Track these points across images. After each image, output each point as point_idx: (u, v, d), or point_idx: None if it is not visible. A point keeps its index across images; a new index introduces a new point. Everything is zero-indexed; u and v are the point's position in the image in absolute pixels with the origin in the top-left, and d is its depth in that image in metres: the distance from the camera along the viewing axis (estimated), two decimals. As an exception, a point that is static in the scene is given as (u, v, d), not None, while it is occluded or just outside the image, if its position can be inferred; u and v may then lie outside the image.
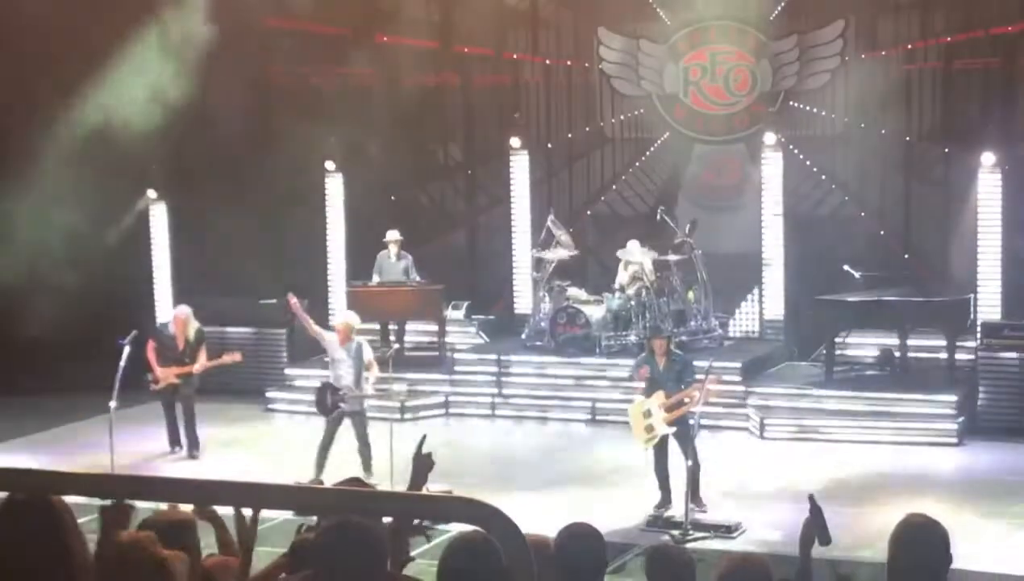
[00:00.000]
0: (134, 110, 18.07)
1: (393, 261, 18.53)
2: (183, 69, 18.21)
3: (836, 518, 11.91)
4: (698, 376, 12.89)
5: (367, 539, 4.35)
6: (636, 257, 17.89)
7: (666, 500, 12.77)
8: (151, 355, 15.36)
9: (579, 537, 5.44)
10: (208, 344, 16.30)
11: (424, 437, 5.67)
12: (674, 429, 12.64)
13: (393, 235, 18.57)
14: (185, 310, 15.78)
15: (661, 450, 12.69)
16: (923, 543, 4.90)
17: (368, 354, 14.17)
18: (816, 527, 5.45)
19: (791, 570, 5.49)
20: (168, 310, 19.97)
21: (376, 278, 18.60)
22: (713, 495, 13.05)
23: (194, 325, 15.70)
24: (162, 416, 15.74)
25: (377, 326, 18.96)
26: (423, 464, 5.50)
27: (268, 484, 3.53)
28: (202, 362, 15.48)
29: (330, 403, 13.94)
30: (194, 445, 15.67)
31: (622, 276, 18.15)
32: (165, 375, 15.32)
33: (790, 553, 5.59)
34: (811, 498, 5.53)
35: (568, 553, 5.35)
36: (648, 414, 12.59)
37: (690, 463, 12.33)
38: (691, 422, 12.84)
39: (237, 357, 15.60)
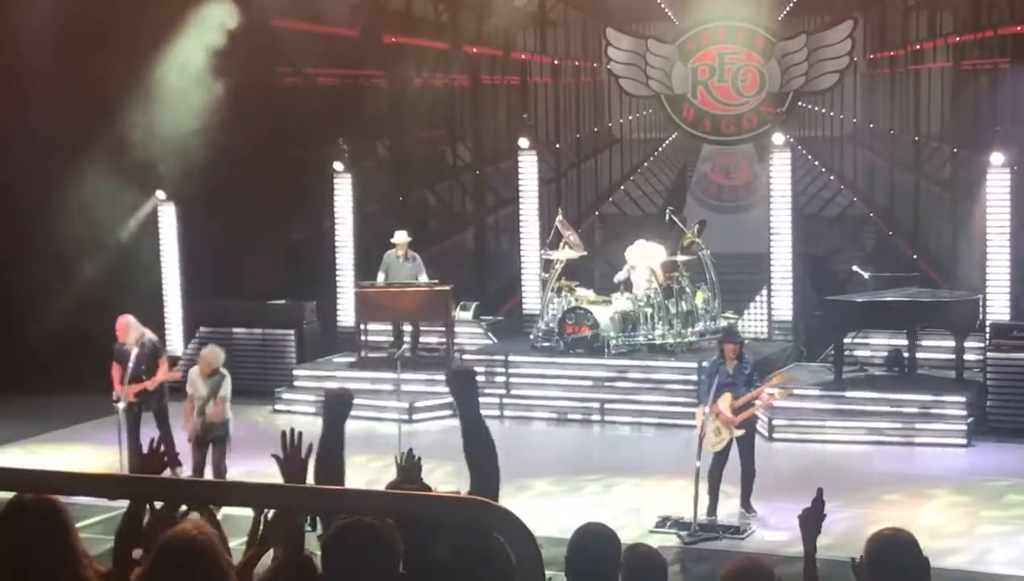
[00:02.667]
0: (145, 111, 18.13)
1: (401, 262, 18.51)
2: (196, 73, 18.26)
3: (844, 519, 11.95)
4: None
5: (378, 540, 4.34)
6: (644, 257, 17.89)
7: (714, 507, 12.68)
8: (114, 374, 13.98)
9: (594, 538, 5.41)
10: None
11: (411, 450, 5.82)
12: (742, 432, 12.61)
13: (401, 237, 18.54)
14: (126, 318, 14.10)
15: (721, 455, 12.64)
16: (895, 555, 4.91)
17: (226, 390, 13.38)
18: (816, 520, 5.45)
19: (798, 568, 5.47)
20: (175, 312, 20.08)
21: (381, 277, 18.54)
22: (721, 496, 13.02)
23: (139, 334, 14.08)
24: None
25: (389, 327, 19.04)
26: (411, 470, 5.71)
27: (273, 484, 3.53)
28: (156, 377, 13.94)
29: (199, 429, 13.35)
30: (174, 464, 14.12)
31: (630, 275, 18.07)
32: (126, 394, 13.79)
33: (798, 554, 5.57)
34: (820, 492, 5.51)
35: (583, 554, 5.32)
36: (716, 417, 12.57)
37: (710, 465, 12.38)
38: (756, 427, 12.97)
39: (176, 375, 14.32)
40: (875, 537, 5.02)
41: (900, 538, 4.98)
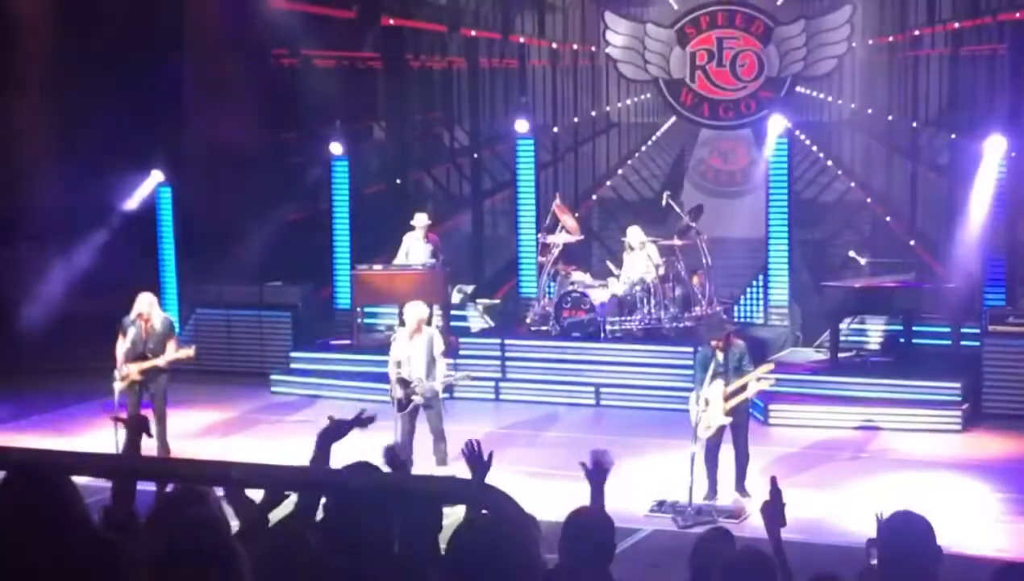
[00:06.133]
0: (144, 93, 18.10)
1: (422, 243, 18.50)
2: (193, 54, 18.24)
3: (838, 503, 11.98)
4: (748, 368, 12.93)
5: (374, 517, 4.36)
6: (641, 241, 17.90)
7: (712, 492, 12.71)
8: (118, 350, 13.83)
9: (588, 521, 5.41)
10: (212, 327, 16.14)
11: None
12: (731, 419, 12.65)
13: (421, 220, 18.52)
14: (149, 296, 14.22)
15: (714, 441, 12.68)
16: (909, 537, 4.86)
17: (440, 346, 13.58)
18: (776, 510, 5.45)
19: (794, 555, 5.48)
20: (172, 294, 20.06)
21: (403, 257, 18.52)
22: (719, 480, 13.05)
23: (160, 314, 14.28)
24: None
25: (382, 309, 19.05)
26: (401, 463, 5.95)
27: (273, 465, 3.54)
28: (168, 356, 13.86)
29: (403, 396, 13.41)
30: (164, 452, 13.63)
31: (626, 258, 18.08)
32: (129, 371, 13.72)
33: (788, 539, 5.58)
34: (773, 480, 5.52)
35: (576, 537, 5.31)
36: (707, 404, 12.59)
37: (713, 451, 12.50)
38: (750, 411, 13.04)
39: (191, 352, 14.23)
40: (889, 519, 4.96)
41: (917, 519, 4.91)
